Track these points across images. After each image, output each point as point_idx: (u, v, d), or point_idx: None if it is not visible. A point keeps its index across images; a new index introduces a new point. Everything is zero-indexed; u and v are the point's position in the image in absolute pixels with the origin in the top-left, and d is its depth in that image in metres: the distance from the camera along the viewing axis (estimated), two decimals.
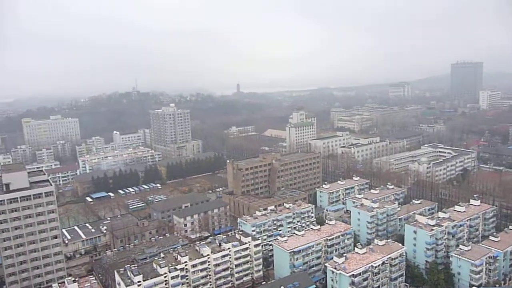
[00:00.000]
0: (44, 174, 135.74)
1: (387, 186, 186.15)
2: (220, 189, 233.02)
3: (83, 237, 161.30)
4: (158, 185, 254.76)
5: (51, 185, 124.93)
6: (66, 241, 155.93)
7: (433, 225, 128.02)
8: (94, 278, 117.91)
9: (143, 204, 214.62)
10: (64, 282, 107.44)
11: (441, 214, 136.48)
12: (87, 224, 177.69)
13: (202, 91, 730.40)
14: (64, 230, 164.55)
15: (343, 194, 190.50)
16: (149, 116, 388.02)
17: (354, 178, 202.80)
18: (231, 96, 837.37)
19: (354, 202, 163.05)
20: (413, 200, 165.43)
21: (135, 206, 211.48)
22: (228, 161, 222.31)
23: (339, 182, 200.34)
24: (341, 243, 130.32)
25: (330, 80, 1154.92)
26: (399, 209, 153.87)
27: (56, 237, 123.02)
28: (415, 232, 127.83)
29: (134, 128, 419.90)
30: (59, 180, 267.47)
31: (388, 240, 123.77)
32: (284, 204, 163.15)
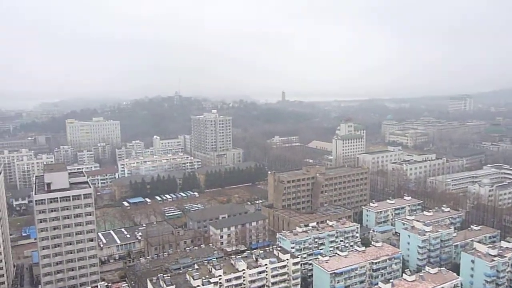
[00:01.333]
0: (84, 176, 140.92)
1: (442, 208, 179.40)
2: (260, 201, 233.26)
3: (118, 242, 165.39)
4: (195, 193, 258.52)
5: (90, 187, 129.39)
6: (101, 245, 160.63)
7: (495, 255, 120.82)
8: (126, 285, 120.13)
9: (179, 212, 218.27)
10: (97, 286, 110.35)
11: (504, 244, 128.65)
12: (122, 229, 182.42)
13: (246, 97, 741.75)
14: (100, 234, 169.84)
15: (392, 214, 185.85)
16: (190, 121, 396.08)
17: (405, 198, 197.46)
18: (276, 104, 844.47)
19: (404, 224, 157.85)
20: (472, 226, 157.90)
21: (171, 214, 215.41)
22: (269, 172, 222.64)
23: (388, 201, 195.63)
24: (387, 267, 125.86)
25: (382, 91, 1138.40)
26: (455, 234, 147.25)
27: (92, 240, 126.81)
28: (473, 261, 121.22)
29: (174, 134, 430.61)
30: (98, 183, 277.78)
31: (441, 269, 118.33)
32: (327, 221, 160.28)
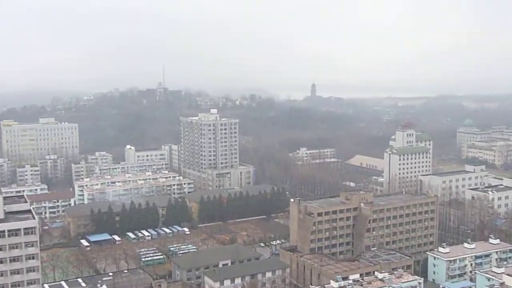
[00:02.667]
0: (26, 202, 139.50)
1: None
2: (278, 242, 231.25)
3: None
4: (185, 229, 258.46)
5: (34, 218, 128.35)
6: None
7: None
8: None
9: (161, 257, 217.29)
10: None
11: None
12: (79, 280, 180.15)
13: (260, 92, 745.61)
14: (46, 286, 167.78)
15: (471, 264, 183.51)
16: (179, 125, 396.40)
17: (491, 241, 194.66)
18: (302, 102, 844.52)
19: (489, 280, 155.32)
20: None
21: (149, 259, 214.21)
22: (292, 200, 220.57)
23: (466, 245, 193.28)
24: None
25: (456, 84, 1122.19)
26: None
27: None
28: None
29: (156, 143, 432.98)
30: (45, 212, 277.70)
31: None
32: (376, 273, 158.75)
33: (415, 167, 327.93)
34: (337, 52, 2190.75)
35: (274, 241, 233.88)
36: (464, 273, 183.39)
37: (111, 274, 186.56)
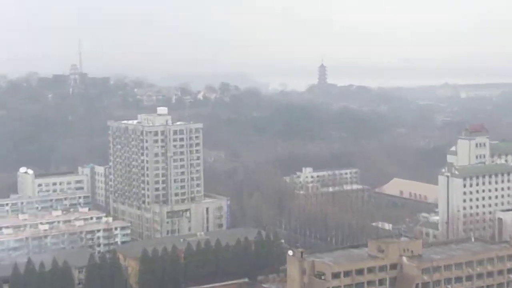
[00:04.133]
0: None
1: None
2: None
3: None
4: None
5: None
6: None
7: None
8: None
9: None
10: None
11: None
12: None
13: (236, 79, 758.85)
14: None
15: None
16: (106, 134, 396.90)
17: None
18: (305, 94, 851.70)
19: None
20: None
21: None
22: (290, 252, 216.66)
23: None
24: None
25: None
26: None
27: None
28: None
29: (69, 163, 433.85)
30: None
31: None
32: None
33: (490, 198, 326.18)
34: (357, 15, 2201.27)
35: None
36: None
37: None
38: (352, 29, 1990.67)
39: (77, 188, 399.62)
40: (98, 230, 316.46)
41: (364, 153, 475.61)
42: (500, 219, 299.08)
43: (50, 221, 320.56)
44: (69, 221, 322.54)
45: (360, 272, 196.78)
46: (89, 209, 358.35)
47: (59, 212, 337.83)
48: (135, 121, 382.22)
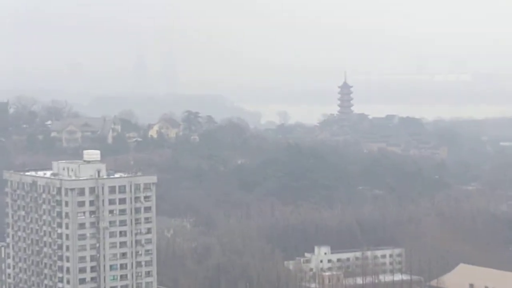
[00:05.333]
0: None
1: None
2: None
3: None
4: None
5: None
6: None
7: None
8: None
9: None
10: None
11: None
12: None
13: (210, 104, 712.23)
14: None
15: None
16: (0, 191, 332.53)
17: None
18: (318, 129, 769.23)
19: None
20: None
21: None
22: None
23: None
24: None
25: None
26: None
27: None
28: None
29: None
30: None
31: None
32: None
33: None
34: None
35: None
36: None
37: None
38: (392, 37, 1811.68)
39: None
40: None
41: (413, 224, 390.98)
42: None
43: None
44: None
45: None
46: None
47: None
48: (48, 173, 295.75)
